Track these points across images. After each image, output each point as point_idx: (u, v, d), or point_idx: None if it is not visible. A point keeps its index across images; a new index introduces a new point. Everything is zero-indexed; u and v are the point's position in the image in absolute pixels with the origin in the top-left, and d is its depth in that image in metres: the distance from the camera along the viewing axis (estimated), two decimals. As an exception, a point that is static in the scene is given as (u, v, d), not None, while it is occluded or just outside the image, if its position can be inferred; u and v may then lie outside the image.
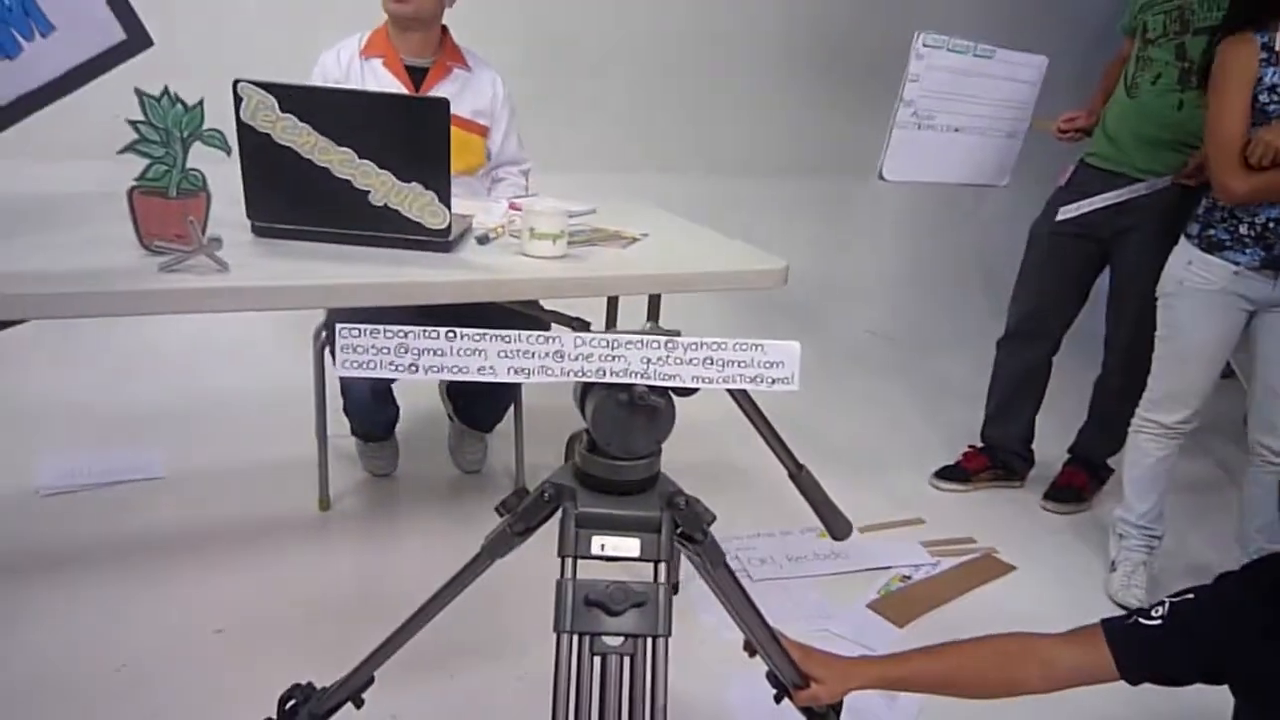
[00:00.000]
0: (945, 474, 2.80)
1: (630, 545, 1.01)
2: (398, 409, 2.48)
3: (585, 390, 1.02)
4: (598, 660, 0.99)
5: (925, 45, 1.98)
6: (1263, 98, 1.92)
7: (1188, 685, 1.32)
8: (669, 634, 0.99)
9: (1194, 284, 2.10)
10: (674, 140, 3.80)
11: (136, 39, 1.42)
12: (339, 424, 2.45)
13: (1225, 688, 1.32)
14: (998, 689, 1.36)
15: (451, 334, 0.95)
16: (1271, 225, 1.99)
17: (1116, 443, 2.70)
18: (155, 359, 2.92)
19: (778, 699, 1.42)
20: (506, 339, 0.96)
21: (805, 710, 1.40)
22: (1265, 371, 2.10)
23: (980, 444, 2.85)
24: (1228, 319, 2.10)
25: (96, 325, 2.60)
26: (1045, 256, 2.62)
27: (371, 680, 1.38)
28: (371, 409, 2.38)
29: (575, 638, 0.98)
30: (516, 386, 2.47)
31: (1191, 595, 1.33)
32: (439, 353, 0.96)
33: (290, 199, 1.75)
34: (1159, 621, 1.31)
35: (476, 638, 1.89)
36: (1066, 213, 2.50)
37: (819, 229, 4.17)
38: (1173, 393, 2.19)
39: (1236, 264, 2.04)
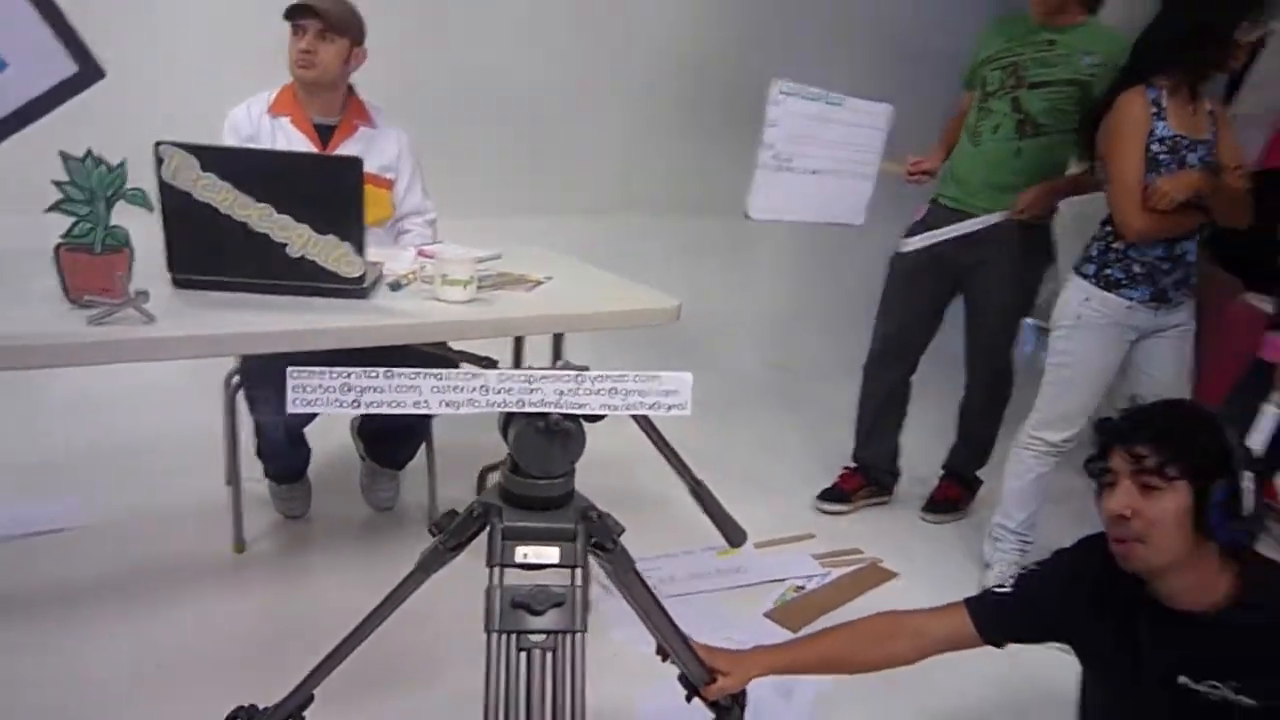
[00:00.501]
0: (827, 495, 2.98)
1: (550, 553, 1.16)
2: (309, 450, 2.56)
3: (507, 419, 1.17)
4: (523, 656, 1.13)
5: (781, 93, 2.14)
6: (1154, 147, 2.15)
7: (1040, 643, 1.54)
8: (585, 629, 1.13)
9: (1091, 318, 2.30)
10: (571, 183, 3.96)
11: (88, 71, 1.50)
12: (252, 467, 2.50)
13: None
14: (877, 662, 1.56)
15: (389, 373, 1.09)
16: (1158, 263, 2.23)
17: (983, 457, 2.97)
18: (67, 409, 2.90)
19: (689, 698, 1.57)
20: (439, 376, 1.10)
21: (713, 705, 1.56)
22: (1141, 387, 2.31)
23: (854, 464, 3.05)
24: (1118, 348, 2.32)
25: (10, 377, 2.58)
26: (902, 286, 2.85)
27: (311, 699, 1.47)
28: (285, 451, 2.45)
29: (503, 636, 1.12)
30: (427, 425, 2.57)
31: (1036, 567, 1.56)
32: (379, 389, 1.09)
33: (210, 252, 1.84)
34: (1008, 590, 1.53)
35: (408, 657, 1.98)
36: (908, 245, 2.73)
37: (718, 266, 4.38)
38: (1064, 414, 2.38)
39: (1130, 299, 2.26)
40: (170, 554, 2.40)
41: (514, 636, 1.12)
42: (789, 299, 4.62)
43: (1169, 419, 1.41)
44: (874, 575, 2.55)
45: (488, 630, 1.12)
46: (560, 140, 3.91)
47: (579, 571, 1.16)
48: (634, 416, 1.19)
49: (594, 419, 1.15)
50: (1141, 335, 2.33)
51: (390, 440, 2.60)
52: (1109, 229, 2.28)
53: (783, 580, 2.47)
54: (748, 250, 4.44)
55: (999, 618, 1.53)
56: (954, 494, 2.99)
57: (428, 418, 2.55)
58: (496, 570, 1.14)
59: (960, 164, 2.73)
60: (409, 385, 1.09)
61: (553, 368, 1.15)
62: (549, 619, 1.13)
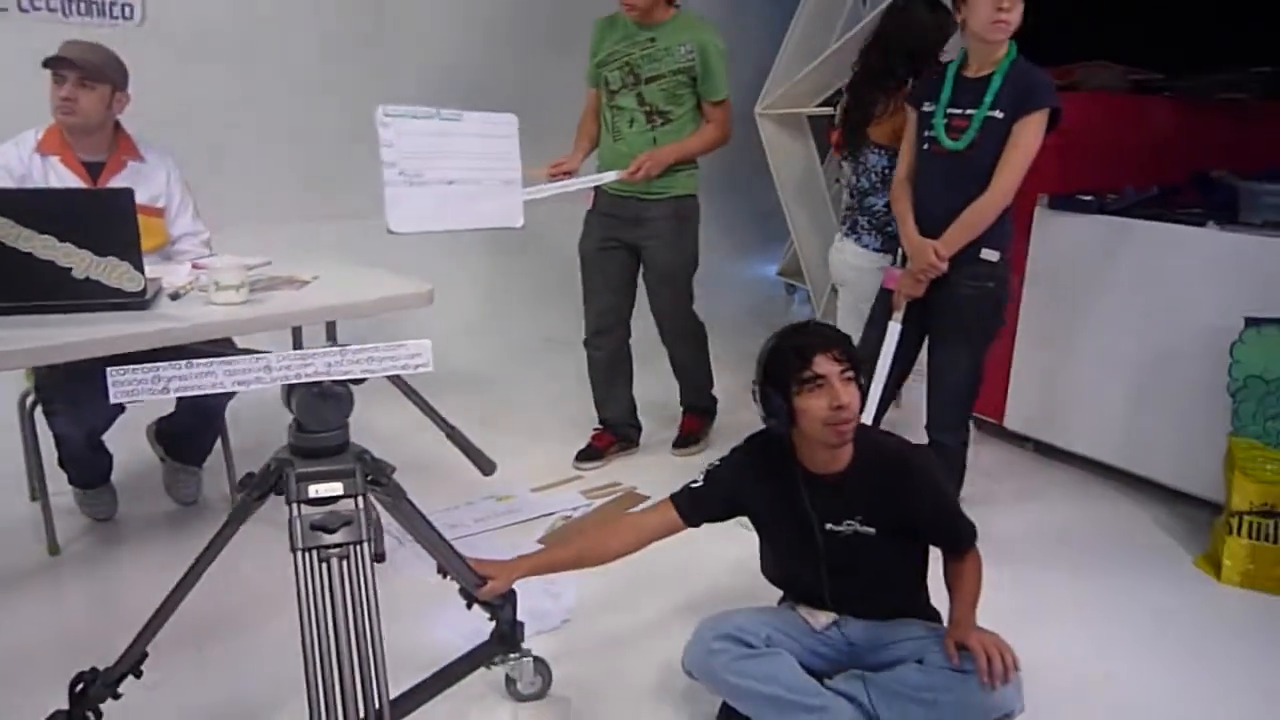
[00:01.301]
0: (582, 455, 3.35)
1: (335, 488, 1.53)
2: (111, 457, 2.75)
3: (290, 390, 1.52)
4: (324, 566, 1.49)
5: (387, 115, 2.19)
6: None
7: (726, 520, 2.03)
8: (369, 539, 1.51)
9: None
10: (335, 189, 4.22)
11: None
12: (57, 480, 2.68)
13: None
14: (612, 552, 2.03)
15: (190, 363, 1.42)
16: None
17: (708, 388, 3.48)
18: None
19: (469, 606, 1.98)
20: (229, 361, 1.44)
21: (487, 606, 1.98)
22: None
23: (600, 425, 3.44)
24: None
25: None
26: (594, 270, 3.25)
27: (145, 655, 1.76)
28: (87, 458, 2.64)
29: (307, 553, 1.48)
30: (221, 421, 2.82)
31: (719, 463, 2.05)
32: (182, 377, 1.42)
33: (2, 280, 2.04)
34: (700, 482, 2.02)
35: (225, 611, 2.27)
36: (530, 194, 2.57)
37: (501, 257, 4.78)
38: None
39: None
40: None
41: (315, 552, 1.48)
42: (559, 278, 5.07)
43: (835, 331, 1.90)
44: (630, 500, 3.05)
45: (293, 549, 1.47)
46: (323, 154, 4.17)
47: (360, 499, 1.54)
48: (389, 377, 1.58)
49: (357, 382, 1.53)
50: None
51: (188, 439, 2.84)
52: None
53: (553, 514, 2.92)
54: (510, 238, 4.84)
55: (695, 504, 2.02)
56: (695, 426, 3.49)
57: (220, 413, 2.81)
58: (295, 505, 1.50)
59: (608, 157, 3.11)
60: (206, 371, 1.43)
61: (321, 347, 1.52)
62: (341, 534, 1.50)
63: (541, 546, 2.72)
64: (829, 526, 1.92)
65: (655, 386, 3.57)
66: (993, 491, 3.19)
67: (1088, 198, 3.28)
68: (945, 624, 1.92)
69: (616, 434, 3.45)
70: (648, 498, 3.08)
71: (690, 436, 3.49)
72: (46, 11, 3.37)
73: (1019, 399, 3.56)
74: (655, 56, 2.98)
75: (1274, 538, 2.62)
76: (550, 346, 4.70)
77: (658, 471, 3.30)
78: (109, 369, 1.37)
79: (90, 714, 1.73)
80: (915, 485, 1.91)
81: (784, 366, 1.83)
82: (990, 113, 2.37)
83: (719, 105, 3.11)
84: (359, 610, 1.49)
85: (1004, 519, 3.00)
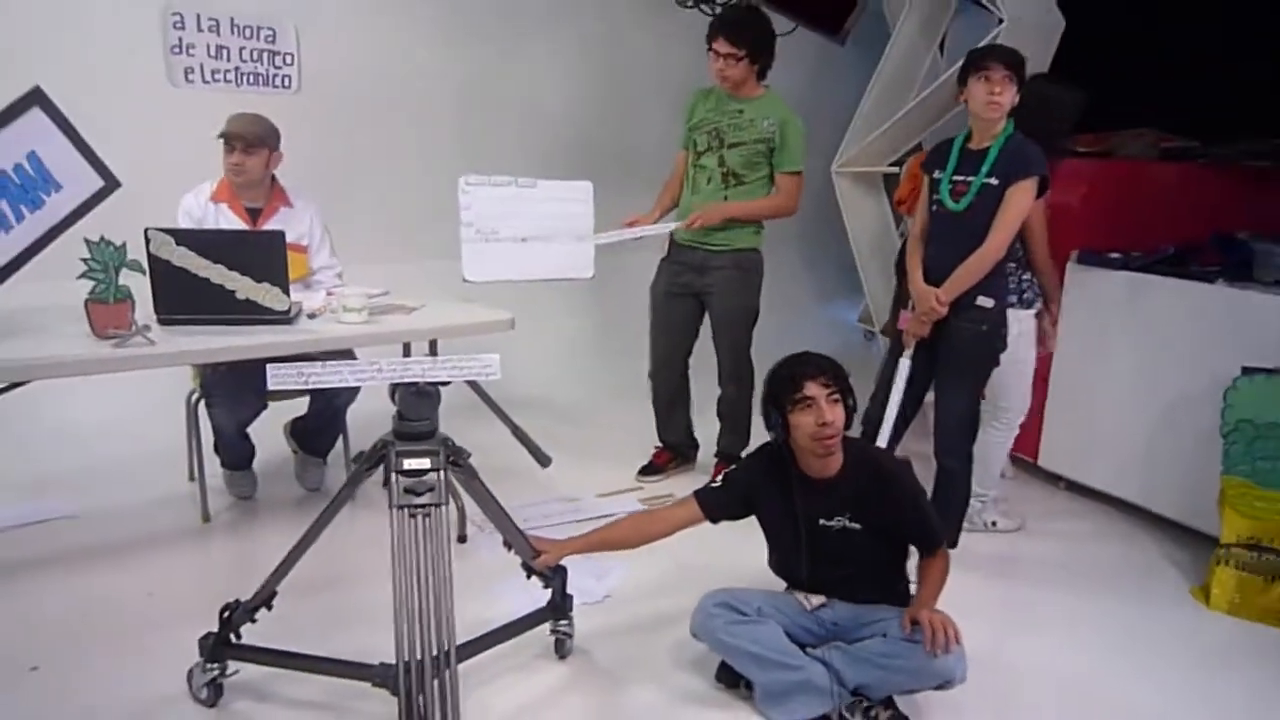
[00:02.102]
0: (645, 470, 3.80)
1: (424, 463, 2.02)
2: (254, 446, 3.37)
3: (394, 388, 2.04)
4: (413, 521, 1.99)
5: (468, 184, 2.57)
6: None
7: (743, 518, 2.45)
8: (446, 503, 2.01)
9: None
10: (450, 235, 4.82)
11: (110, 182, 2.32)
12: (209, 465, 3.30)
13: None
14: (645, 538, 2.47)
15: (325, 364, 1.95)
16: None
17: (745, 437, 3.72)
18: (57, 432, 3.62)
19: (528, 576, 2.46)
20: (352, 364, 1.97)
21: (542, 576, 2.45)
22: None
23: (661, 444, 3.86)
24: None
25: (8, 408, 3.24)
26: (661, 312, 3.64)
27: (275, 593, 2.29)
28: (236, 445, 3.26)
29: (401, 510, 1.98)
30: (343, 422, 3.41)
31: (736, 468, 2.48)
32: (318, 373, 1.95)
33: (184, 299, 2.65)
34: (719, 483, 2.45)
35: (334, 570, 2.81)
36: (599, 239, 2.99)
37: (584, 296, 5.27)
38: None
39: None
40: (148, 528, 3.17)
41: (406, 509, 1.98)
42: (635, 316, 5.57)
43: (826, 360, 2.32)
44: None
45: (392, 507, 1.98)
46: (441, 201, 4.78)
47: (442, 474, 2.04)
48: (468, 381, 2.09)
49: (444, 384, 2.04)
50: None
51: (316, 435, 3.43)
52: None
53: (612, 514, 3.38)
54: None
55: (715, 502, 2.45)
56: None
57: (343, 415, 3.39)
58: (394, 475, 2.01)
59: (685, 210, 3.50)
60: (335, 370, 1.96)
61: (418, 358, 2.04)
62: (426, 498, 1.99)
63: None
64: (821, 522, 2.34)
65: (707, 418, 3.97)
66: (1025, 523, 3.52)
67: (1115, 255, 3.58)
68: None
69: (675, 452, 3.87)
70: (696, 506, 3.52)
71: None
72: (224, 83, 4.13)
73: (1052, 439, 3.85)
74: (741, 126, 3.38)
75: (1259, 569, 2.88)
76: (621, 376, 5.19)
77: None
78: (268, 365, 1.91)
79: (233, 635, 2.26)
80: (896, 493, 2.31)
81: (780, 389, 2.26)
82: (987, 179, 2.76)
83: (791, 176, 3.46)
84: (436, 557, 1.98)
85: (1027, 545, 3.37)
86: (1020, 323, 3.16)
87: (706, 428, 3.90)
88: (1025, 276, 3.20)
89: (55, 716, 2.22)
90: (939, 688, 2.19)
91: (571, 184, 2.75)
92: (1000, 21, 4.12)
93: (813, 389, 2.22)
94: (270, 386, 1.93)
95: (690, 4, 4.99)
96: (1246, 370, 3.04)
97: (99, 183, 2.37)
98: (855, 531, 2.32)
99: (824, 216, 5.47)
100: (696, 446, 3.94)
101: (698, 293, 3.58)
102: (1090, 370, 3.66)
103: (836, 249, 6.29)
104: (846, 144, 5.25)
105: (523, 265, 2.56)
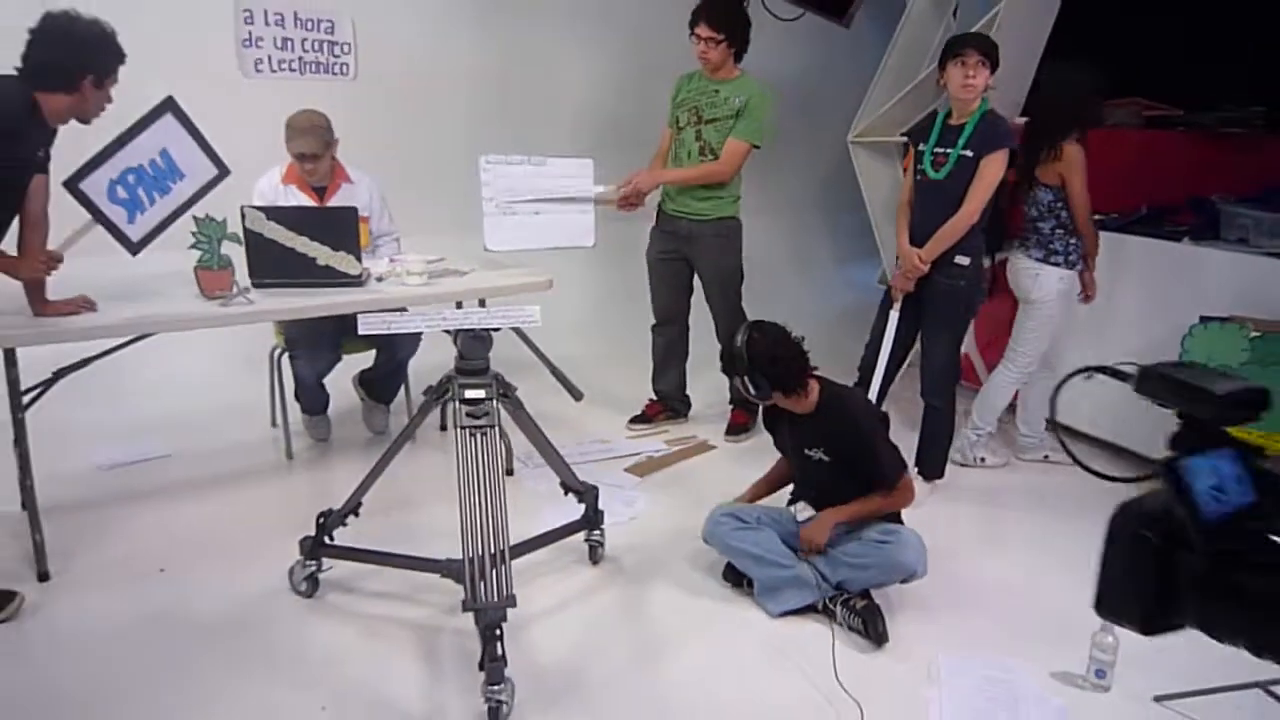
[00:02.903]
0: (635, 419, 4.19)
1: (480, 393, 2.48)
2: (328, 395, 3.87)
3: (455, 333, 2.50)
4: (472, 438, 2.45)
5: (488, 163, 2.91)
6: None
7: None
8: (498, 425, 2.47)
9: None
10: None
11: (222, 170, 2.80)
12: (290, 413, 3.81)
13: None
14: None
15: (400, 313, 2.42)
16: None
17: None
18: (156, 384, 4.14)
19: (565, 493, 2.93)
20: (423, 313, 2.44)
21: (577, 493, 2.91)
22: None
23: (654, 396, 4.24)
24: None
25: (110, 365, 3.74)
26: (656, 274, 4.03)
27: (360, 504, 2.79)
28: (315, 393, 3.77)
29: (464, 430, 2.44)
30: (405, 372, 3.89)
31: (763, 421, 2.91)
32: (397, 319, 2.43)
33: (274, 265, 3.13)
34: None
35: (407, 494, 3.30)
36: (599, 194, 3.57)
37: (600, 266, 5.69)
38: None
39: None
40: (240, 465, 3.70)
41: (467, 429, 2.45)
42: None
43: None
44: (699, 448, 3.95)
45: (457, 427, 2.44)
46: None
47: (494, 402, 2.50)
48: (513, 328, 2.55)
49: (495, 330, 2.50)
50: None
51: (382, 383, 3.92)
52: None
53: (640, 453, 3.85)
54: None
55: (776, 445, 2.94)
56: (742, 419, 4.11)
57: (405, 366, 3.87)
58: (457, 402, 2.47)
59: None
60: (409, 319, 2.44)
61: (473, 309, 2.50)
62: (481, 421, 2.46)
63: (629, 474, 3.66)
64: (805, 451, 2.78)
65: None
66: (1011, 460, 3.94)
67: (1095, 216, 3.93)
68: (897, 524, 2.73)
69: (665, 405, 4.23)
70: (715, 447, 3.97)
71: (739, 427, 4.11)
72: (289, 72, 4.58)
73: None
74: (716, 104, 3.77)
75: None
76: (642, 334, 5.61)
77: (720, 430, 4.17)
78: (359, 314, 2.38)
79: (327, 537, 2.76)
80: (854, 433, 2.71)
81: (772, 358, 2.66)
82: (963, 152, 3.15)
83: (738, 144, 3.74)
84: (490, 469, 2.45)
85: (1010, 478, 3.81)
86: (1063, 281, 3.54)
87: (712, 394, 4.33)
88: (1071, 241, 3.53)
89: (183, 605, 2.73)
90: (904, 581, 2.64)
91: (576, 160, 3.11)
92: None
93: None
94: (361, 332, 2.41)
95: None
96: (1204, 319, 3.40)
97: (214, 171, 2.86)
98: (827, 462, 2.75)
99: (843, 184, 5.82)
100: (688, 402, 4.28)
101: (685, 257, 3.96)
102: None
103: (856, 214, 6.67)
104: (862, 115, 5.57)
105: (535, 235, 2.91)
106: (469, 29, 5.19)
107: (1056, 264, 3.51)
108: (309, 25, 4.77)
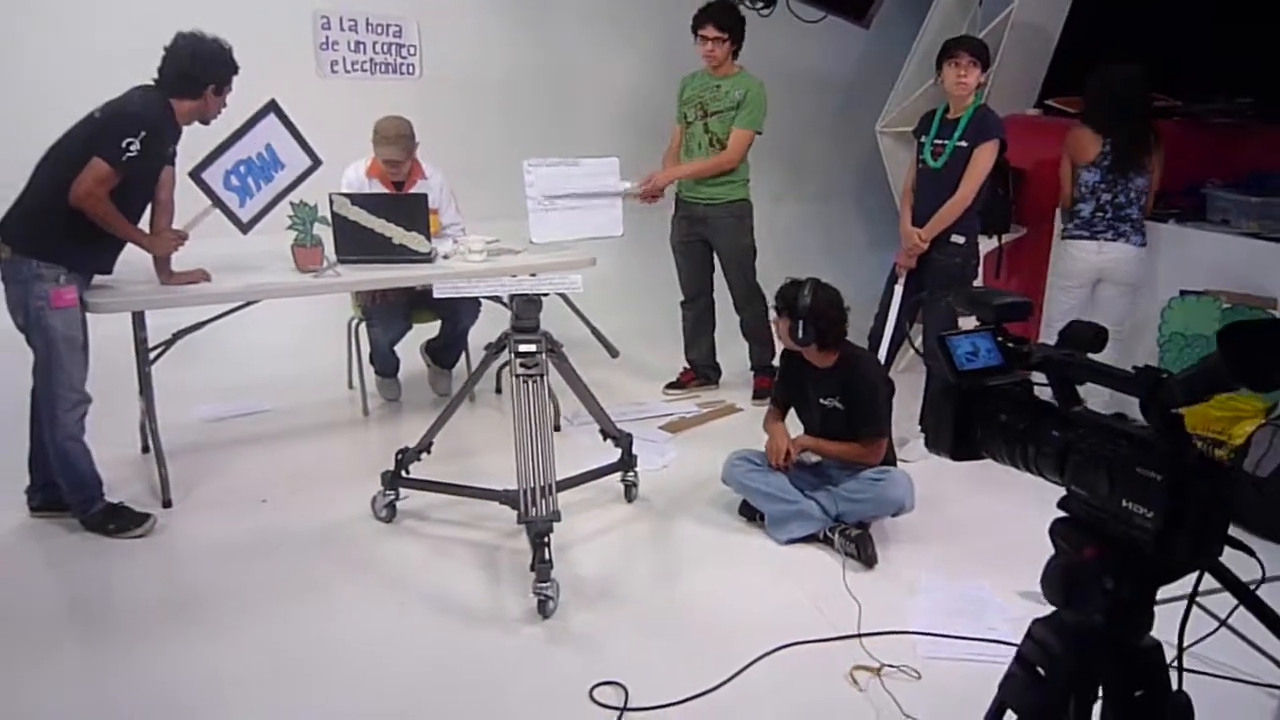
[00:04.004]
0: (671, 385, 4.60)
1: (532, 347, 2.95)
2: (399, 360, 4.38)
3: (512, 298, 2.98)
4: (525, 386, 2.92)
5: (530, 165, 3.38)
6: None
7: (792, 403, 3.34)
8: (546, 372, 2.94)
9: None
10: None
11: (315, 161, 3.31)
12: (365, 374, 4.34)
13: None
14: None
15: (469, 280, 2.91)
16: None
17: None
18: (247, 352, 4.69)
19: (604, 439, 3.39)
20: (486, 280, 2.93)
21: (614, 439, 3.38)
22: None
23: (687, 364, 4.65)
24: None
25: (204, 340, 4.21)
26: (680, 256, 4.46)
27: (431, 443, 3.28)
28: (388, 357, 4.29)
29: (518, 378, 2.92)
30: (465, 341, 4.39)
31: (779, 371, 3.35)
32: (468, 286, 2.93)
33: (357, 244, 3.63)
34: (775, 384, 3.34)
35: (468, 442, 3.80)
36: (627, 189, 4.10)
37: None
38: None
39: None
40: (324, 419, 4.23)
41: (520, 377, 2.92)
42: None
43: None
44: (726, 410, 4.39)
45: (513, 375, 2.92)
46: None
47: (543, 355, 2.97)
48: (560, 294, 3.02)
49: (544, 295, 2.97)
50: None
51: (445, 350, 4.43)
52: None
53: (673, 414, 4.31)
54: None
55: (778, 395, 3.36)
56: (765, 383, 4.41)
57: (465, 335, 4.36)
58: (513, 355, 2.95)
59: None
60: (475, 285, 2.93)
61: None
62: (533, 370, 2.93)
63: (662, 431, 4.13)
64: (820, 400, 3.21)
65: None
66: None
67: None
68: (893, 467, 3.16)
69: (698, 372, 4.66)
70: (741, 409, 4.42)
71: (765, 391, 4.36)
72: (360, 72, 5.11)
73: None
74: (719, 97, 4.19)
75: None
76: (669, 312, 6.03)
77: (748, 399, 4.61)
78: (435, 283, 2.87)
79: (404, 471, 3.26)
80: (862, 389, 3.14)
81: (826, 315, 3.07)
82: (958, 143, 3.54)
83: (742, 132, 4.16)
84: (540, 412, 2.92)
85: None
86: None
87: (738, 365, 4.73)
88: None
89: (284, 526, 3.26)
90: (895, 514, 3.07)
91: (604, 159, 3.59)
92: (1016, -6, 4.79)
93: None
94: (436, 294, 2.94)
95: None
96: (1183, 292, 3.76)
97: (308, 162, 3.38)
98: (839, 410, 3.18)
99: (872, 172, 6.19)
100: (718, 369, 4.70)
101: (703, 238, 4.38)
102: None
103: (886, 200, 7.02)
104: (889, 106, 5.91)
105: (573, 226, 3.37)
106: (523, 32, 5.66)
107: (1145, 245, 3.79)
108: (379, 29, 5.31)
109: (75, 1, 4.39)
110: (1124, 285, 3.86)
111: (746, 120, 4.18)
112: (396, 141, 3.96)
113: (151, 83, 3.02)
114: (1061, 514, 1.25)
